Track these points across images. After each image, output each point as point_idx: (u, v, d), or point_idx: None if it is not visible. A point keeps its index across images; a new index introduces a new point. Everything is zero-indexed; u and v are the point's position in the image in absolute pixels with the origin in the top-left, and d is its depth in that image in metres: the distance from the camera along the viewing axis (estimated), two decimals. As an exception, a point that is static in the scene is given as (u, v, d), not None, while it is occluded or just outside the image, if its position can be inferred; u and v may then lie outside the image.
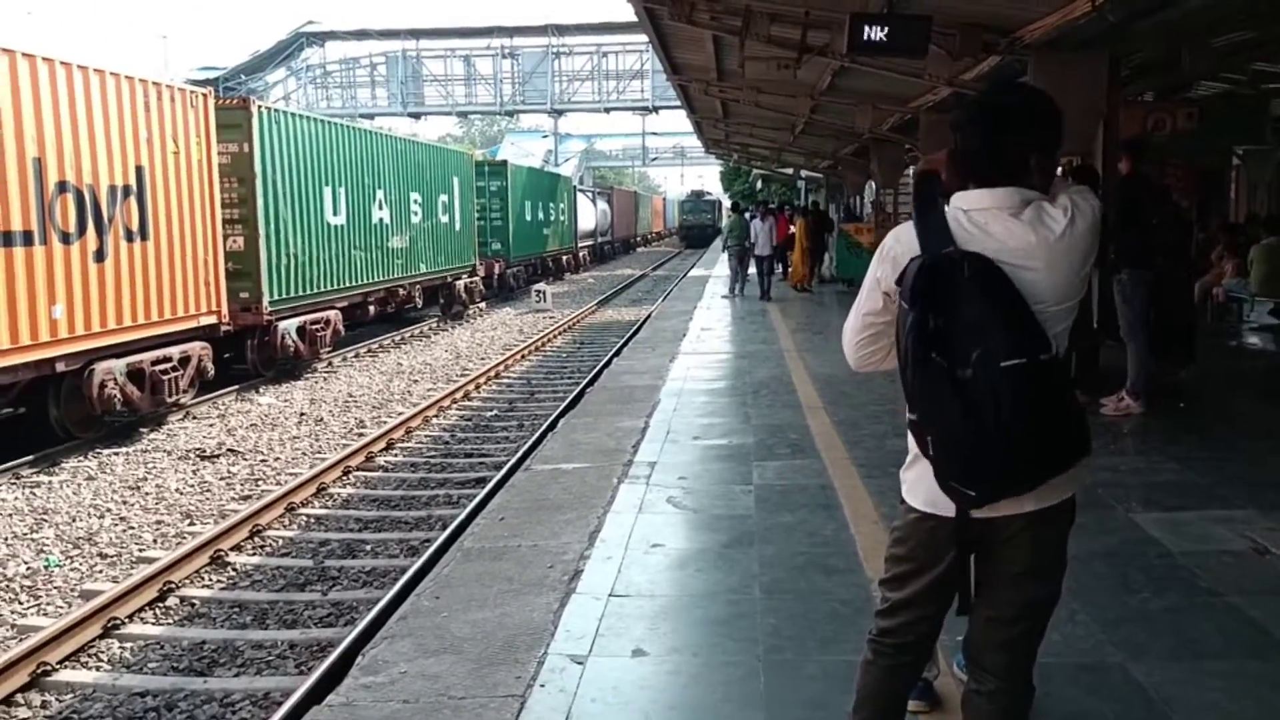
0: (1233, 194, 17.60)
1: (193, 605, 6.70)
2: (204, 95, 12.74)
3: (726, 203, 59.67)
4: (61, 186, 10.01)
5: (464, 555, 4.94)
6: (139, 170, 11.23)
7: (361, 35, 42.20)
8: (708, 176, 72.96)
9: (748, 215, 22.15)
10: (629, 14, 10.88)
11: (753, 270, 19.93)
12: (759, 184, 44.38)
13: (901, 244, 2.32)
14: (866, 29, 7.24)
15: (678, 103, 23.34)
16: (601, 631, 3.95)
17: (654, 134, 66.99)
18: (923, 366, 2.17)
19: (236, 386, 14.08)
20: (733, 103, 17.01)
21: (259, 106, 14.06)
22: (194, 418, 12.48)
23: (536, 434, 10.37)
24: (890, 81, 11.46)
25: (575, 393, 12.35)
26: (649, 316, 19.42)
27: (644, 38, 12.35)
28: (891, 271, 2.31)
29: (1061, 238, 2.22)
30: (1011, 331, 2.12)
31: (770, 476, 6.31)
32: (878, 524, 5.21)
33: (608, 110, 47.75)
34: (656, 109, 45.59)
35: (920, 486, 2.35)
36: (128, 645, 6.03)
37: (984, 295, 2.14)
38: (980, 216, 2.25)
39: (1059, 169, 10.17)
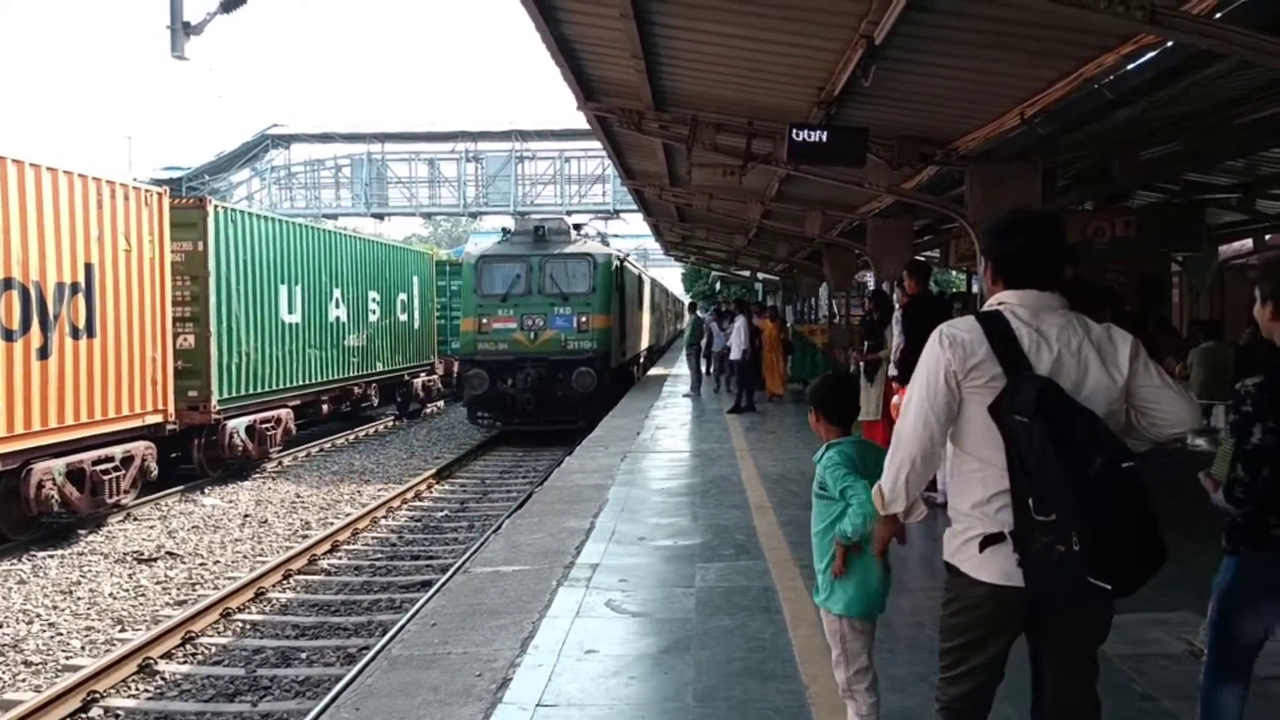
0: (1175, 299, 18.11)
1: (116, 717, 6.45)
2: (158, 194, 12.79)
3: (682, 294, 57.17)
4: (6, 283, 9.93)
5: (390, 664, 4.79)
6: (88, 267, 11.18)
7: (326, 138, 42.78)
8: (670, 278, 67.22)
9: (700, 314, 22.27)
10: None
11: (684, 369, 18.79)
12: (718, 285, 45.01)
13: (971, 333, 2.61)
14: (805, 138, 7.46)
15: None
16: (526, 744, 3.83)
17: (616, 236, 66.73)
18: (1063, 472, 2.36)
19: (181, 487, 13.79)
20: (687, 207, 17.35)
21: (214, 206, 14.14)
22: (135, 519, 12.17)
23: (486, 535, 10.22)
24: (836, 189, 11.77)
25: (529, 492, 12.22)
26: (606, 414, 19.36)
27: (604, 144, 12.67)
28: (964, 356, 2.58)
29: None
30: (1116, 440, 2.43)
31: (712, 578, 6.23)
32: (816, 626, 5.13)
33: (570, 213, 48.38)
34: (618, 212, 46.31)
35: (993, 563, 2.55)
36: (42, 760, 5.77)
37: (1083, 413, 2.44)
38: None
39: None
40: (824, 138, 7.48)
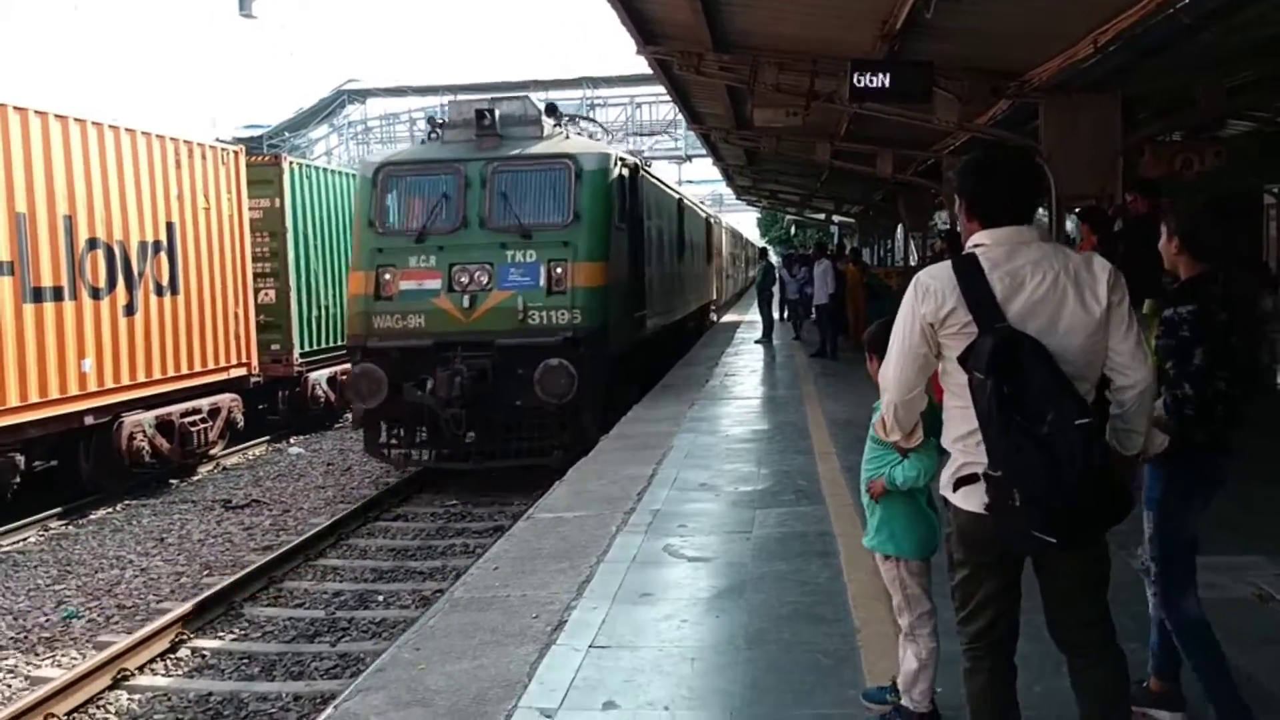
0: (1268, 233, 17.32)
1: (203, 656, 6.76)
2: (235, 152, 13.10)
3: (756, 236, 55.73)
4: (92, 243, 10.31)
5: (451, 606, 4.94)
6: (169, 226, 11.55)
7: (400, 91, 43.14)
8: (745, 223, 65.98)
9: (772, 260, 22.17)
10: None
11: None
12: (793, 229, 44.43)
13: (943, 281, 2.59)
14: (867, 75, 7.28)
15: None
16: (576, 684, 3.92)
17: (690, 182, 65.87)
18: (1007, 428, 2.40)
19: (267, 437, 14.27)
20: (755, 150, 17.11)
21: (289, 162, 14.43)
22: (223, 469, 12.67)
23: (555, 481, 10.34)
24: (907, 127, 11.48)
25: (600, 438, 12.33)
26: (677, 361, 19.40)
27: (674, 88, 12.32)
28: (936, 306, 2.57)
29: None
30: (1076, 396, 2.41)
31: (771, 524, 6.26)
32: (872, 571, 5.13)
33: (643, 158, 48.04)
34: (690, 157, 45.87)
35: (974, 496, 2.58)
36: (136, 697, 6.09)
37: (1045, 366, 2.42)
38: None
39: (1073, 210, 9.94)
40: (887, 75, 7.28)
